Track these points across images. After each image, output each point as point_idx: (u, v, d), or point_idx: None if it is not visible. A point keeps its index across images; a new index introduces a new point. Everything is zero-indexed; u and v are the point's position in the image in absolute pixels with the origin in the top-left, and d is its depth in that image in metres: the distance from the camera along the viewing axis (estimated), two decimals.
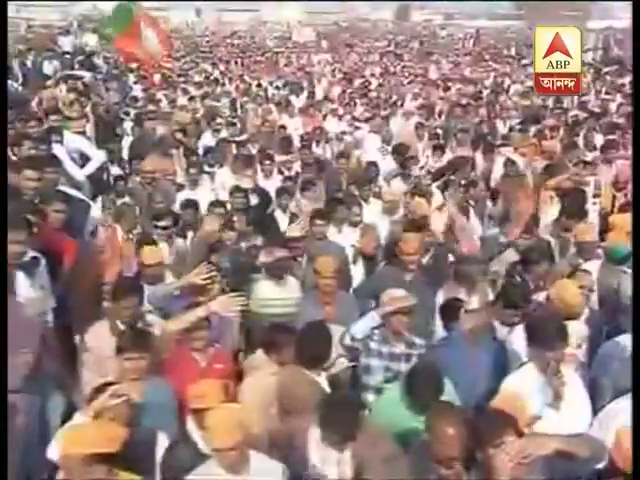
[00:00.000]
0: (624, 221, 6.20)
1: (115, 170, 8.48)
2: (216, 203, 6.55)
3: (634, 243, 4.76)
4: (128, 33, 10.46)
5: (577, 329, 4.35)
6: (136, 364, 3.86)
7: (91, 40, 18.78)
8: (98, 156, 7.46)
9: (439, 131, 11.31)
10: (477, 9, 48.54)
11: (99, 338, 4.39)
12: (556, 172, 8.16)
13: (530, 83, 16.02)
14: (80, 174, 6.72)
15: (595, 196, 7.70)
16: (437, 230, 6.36)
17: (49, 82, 12.11)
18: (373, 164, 8.68)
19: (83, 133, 7.89)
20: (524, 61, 22.18)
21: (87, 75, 12.36)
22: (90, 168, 7.32)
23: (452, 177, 8.28)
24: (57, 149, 6.73)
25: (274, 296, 5.45)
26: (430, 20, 48.64)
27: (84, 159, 7.36)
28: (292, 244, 5.77)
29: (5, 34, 6.66)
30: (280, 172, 8.76)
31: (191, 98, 13.83)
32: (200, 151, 9.84)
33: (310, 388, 3.74)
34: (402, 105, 13.88)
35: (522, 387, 3.90)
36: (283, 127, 11.13)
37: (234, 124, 10.81)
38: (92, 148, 7.52)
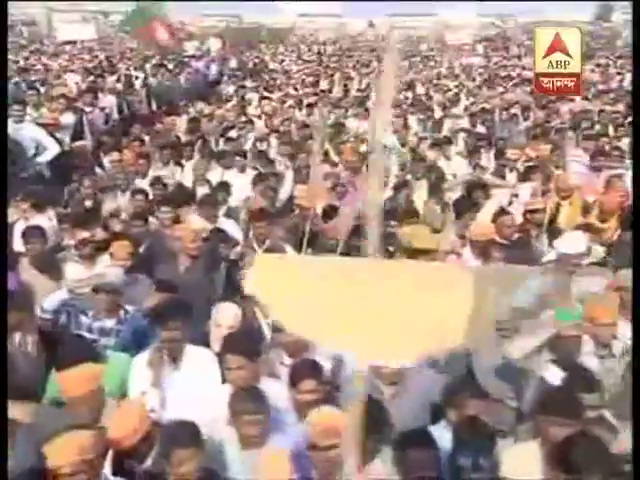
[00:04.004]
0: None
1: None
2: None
3: (634, 242, 4.62)
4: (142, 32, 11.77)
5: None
6: None
7: (214, 44, 20.02)
8: (53, 147, 8.31)
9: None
10: None
11: None
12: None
13: None
14: None
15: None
16: None
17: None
18: None
19: (54, 125, 8.73)
20: None
21: (141, 76, 13.42)
22: (46, 157, 8.24)
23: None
24: None
25: (83, 277, 5.37)
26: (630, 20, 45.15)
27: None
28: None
29: (5, 34, 7.45)
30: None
31: (265, 98, 14.57)
32: (220, 146, 10.54)
33: None
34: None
35: (141, 364, 4.13)
36: (306, 126, 11.40)
37: (251, 122, 11.28)
38: (49, 140, 8.33)
